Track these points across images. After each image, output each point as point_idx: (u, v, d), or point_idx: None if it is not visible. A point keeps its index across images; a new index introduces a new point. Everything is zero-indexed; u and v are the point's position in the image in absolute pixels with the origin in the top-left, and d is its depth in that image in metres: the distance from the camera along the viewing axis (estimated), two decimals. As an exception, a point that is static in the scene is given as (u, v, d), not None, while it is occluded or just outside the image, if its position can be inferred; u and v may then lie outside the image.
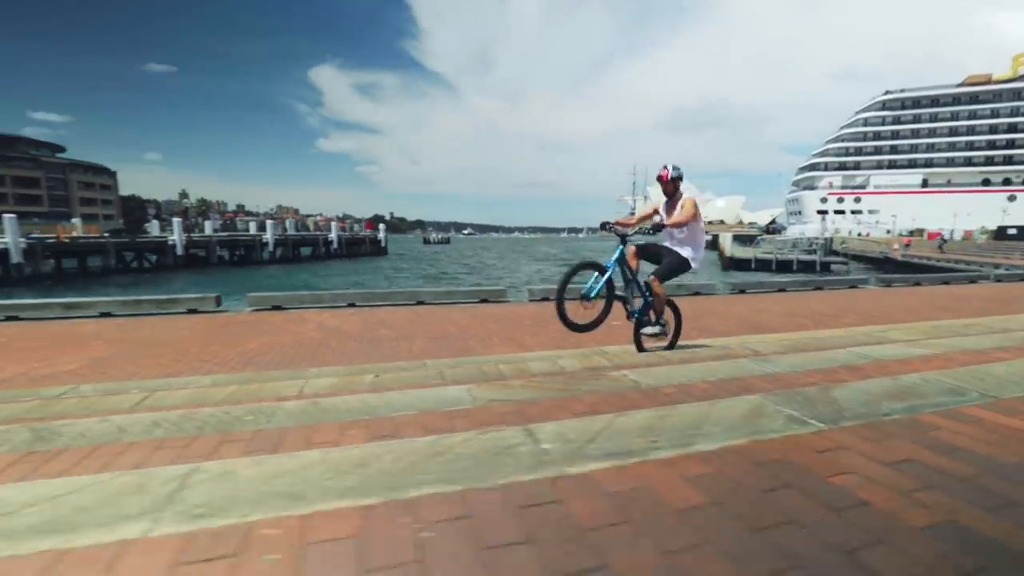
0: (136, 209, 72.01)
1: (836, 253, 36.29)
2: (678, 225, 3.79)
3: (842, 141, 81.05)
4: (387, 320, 6.63)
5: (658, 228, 3.78)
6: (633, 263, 3.97)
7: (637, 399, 2.11)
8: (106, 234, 39.73)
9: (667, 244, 4.00)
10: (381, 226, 59.55)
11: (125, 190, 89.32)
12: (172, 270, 33.79)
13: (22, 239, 24.20)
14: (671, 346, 4.18)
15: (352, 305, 8.01)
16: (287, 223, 49.31)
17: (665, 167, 3.88)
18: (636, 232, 3.84)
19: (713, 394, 2.10)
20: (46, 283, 24.68)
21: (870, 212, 74.58)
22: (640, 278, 3.97)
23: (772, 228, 76.44)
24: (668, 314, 4.15)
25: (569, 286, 3.66)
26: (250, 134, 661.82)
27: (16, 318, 6.99)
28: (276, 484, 1.35)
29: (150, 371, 4.15)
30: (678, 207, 3.88)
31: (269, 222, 45.23)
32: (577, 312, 3.63)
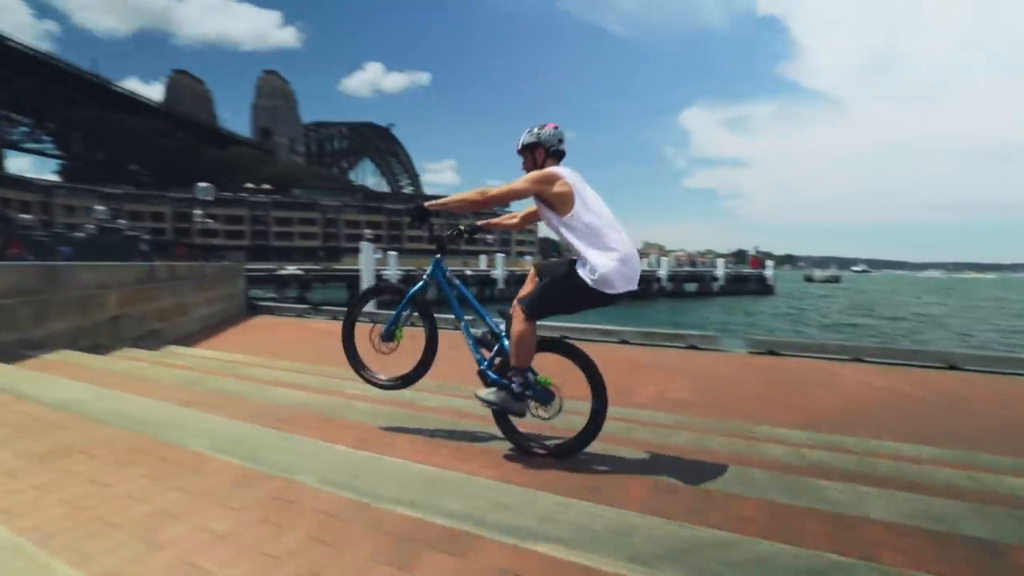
0: (548, 248, 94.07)
1: None
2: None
3: None
4: (935, 386, 5.88)
5: (473, 230, 2.56)
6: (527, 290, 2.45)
7: None
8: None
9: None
10: (769, 263, 54.36)
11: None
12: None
13: (506, 270, 34.82)
14: (580, 443, 2.26)
15: (858, 360, 7.73)
16: (650, 259, 51.02)
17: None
18: (461, 234, 2.55)
19: None
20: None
21: None
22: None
23: None
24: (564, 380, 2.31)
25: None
26: (624, 177, 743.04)
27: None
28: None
29: (751, 412, 4.15)
30: None
31: (663, 259, 46.02)
32: (379, 359, 2.57)
